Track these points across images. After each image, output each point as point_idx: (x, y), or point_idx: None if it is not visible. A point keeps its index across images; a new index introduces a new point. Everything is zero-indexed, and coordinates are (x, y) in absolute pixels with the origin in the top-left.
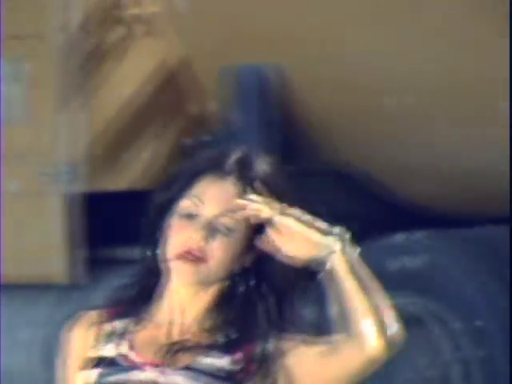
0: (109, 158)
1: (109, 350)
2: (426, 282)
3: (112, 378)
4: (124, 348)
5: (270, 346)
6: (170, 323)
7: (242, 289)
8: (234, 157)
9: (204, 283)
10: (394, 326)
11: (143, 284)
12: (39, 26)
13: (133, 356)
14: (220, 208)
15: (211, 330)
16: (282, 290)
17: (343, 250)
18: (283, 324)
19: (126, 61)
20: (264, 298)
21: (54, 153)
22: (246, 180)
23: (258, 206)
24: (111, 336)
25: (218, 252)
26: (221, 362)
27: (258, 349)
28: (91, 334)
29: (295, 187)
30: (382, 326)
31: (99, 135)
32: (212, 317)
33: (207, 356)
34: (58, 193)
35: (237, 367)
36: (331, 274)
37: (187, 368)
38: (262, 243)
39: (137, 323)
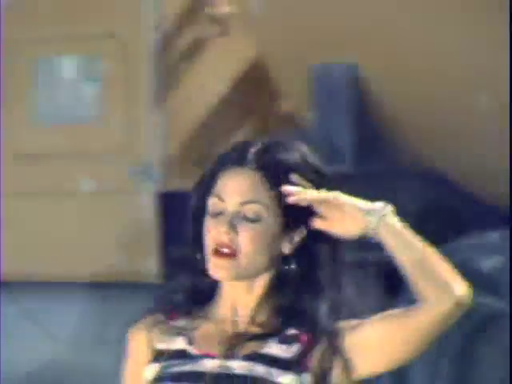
0: (187, 157)
1: (168, 346)
2: (498, 283)
3: (172, 370)
4: (182, 343)
5: (325, 332)
6: (225, 319)
7: (287, 277)
8: (252, 149)
9: (243, 277)
10: (458, 287)
11: (196, 285)
12: (114, 26)
13: (191, 350)
14: (239, 201)
15: (265, 322)
16: (328, 274)
17: (386, 224)
18: (335, 309)
19: (201, 61)
20: (311, 285)
21: (130, 152)
22: (268, 169)
23: (297, 197)
24: (170, 333)
25: (246, 244)
26: (277, 351)
27: (312, 336)
28: (151, 333)
29: (385, 186)
30: (444, 287)
31: (177, 135)
32: (264, 309)
33: (263, 347)
34: (130, 193)
35: (293, 356)
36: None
37: (244, 358)
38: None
39: (194, 321)
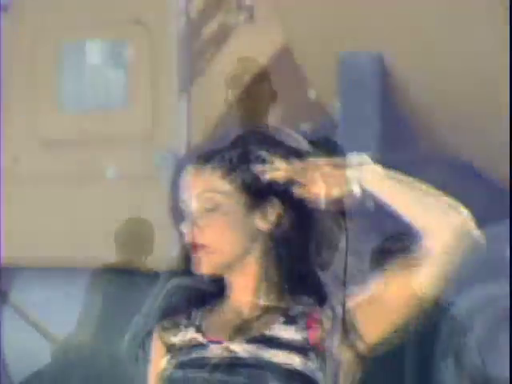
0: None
1: (179, 338)
2: None
3: (181, 358)
4: (192, 333)
5: (329, 306)
6: (232, 307)
7: (276, 254)
8: (208, 147)
9: (226, 263)
10: (456, 214)
11: (202, 282)
12: (141, 12)
13: (199, 338)
14: (195, 194)
15: (268, 304)
16: (319, 245)
17: (368, 185)
18: (336, 281)
19: (227, 48)
20: (304, 258)
21: (153, 139)
22: (223, 160)
23: (275, 174)
24: (182, 328)
25: (213, 235)
26: (282, 332)
27: (317, 312)
28: (165, 332)
29: (410, 175)
30: (441, 219)
31: (201, 121)
32: (265, 290)
33: (268, 329)
34: (155, 178)
35: (298, 336)
36: (375, 200)
37: (249, 342)
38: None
39: (204, 314)
